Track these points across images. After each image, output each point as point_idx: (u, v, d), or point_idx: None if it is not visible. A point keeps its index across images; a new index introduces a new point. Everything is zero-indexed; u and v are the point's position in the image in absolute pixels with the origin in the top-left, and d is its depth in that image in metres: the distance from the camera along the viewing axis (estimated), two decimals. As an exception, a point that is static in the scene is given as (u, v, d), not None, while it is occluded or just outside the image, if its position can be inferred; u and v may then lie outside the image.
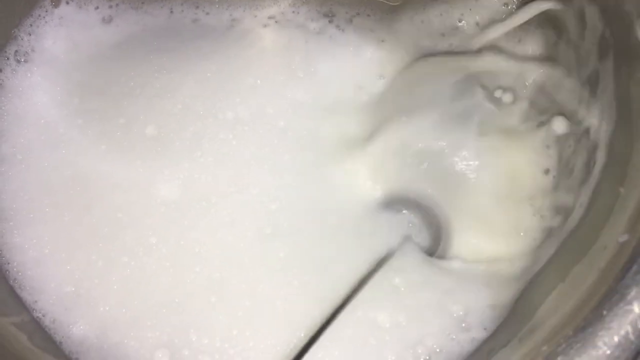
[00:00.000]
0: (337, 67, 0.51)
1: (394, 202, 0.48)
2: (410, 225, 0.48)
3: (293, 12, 0.52)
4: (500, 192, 0.46)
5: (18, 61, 0.48)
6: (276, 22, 0.52)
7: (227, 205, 0.46)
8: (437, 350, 0.42)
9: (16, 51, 0.48)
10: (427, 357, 0.41)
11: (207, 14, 0.52)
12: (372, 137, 0.48)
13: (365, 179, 0.48)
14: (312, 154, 0.48)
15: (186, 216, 0.45)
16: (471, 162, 0.46)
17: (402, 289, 0.43)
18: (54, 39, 0.49)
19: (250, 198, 0.46)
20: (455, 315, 0.42)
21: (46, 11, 0.49)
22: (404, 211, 0.48)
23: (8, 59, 0.47)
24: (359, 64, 0.51)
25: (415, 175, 0.47)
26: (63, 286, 0.42)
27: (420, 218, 0.49)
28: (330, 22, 0.52)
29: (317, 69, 0.50)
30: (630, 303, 0.33)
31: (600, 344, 0.32)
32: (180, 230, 0.44)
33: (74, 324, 0.42)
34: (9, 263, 0.43)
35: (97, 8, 0.51)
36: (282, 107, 0.49)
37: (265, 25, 0.52)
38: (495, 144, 0.47)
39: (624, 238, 0.35)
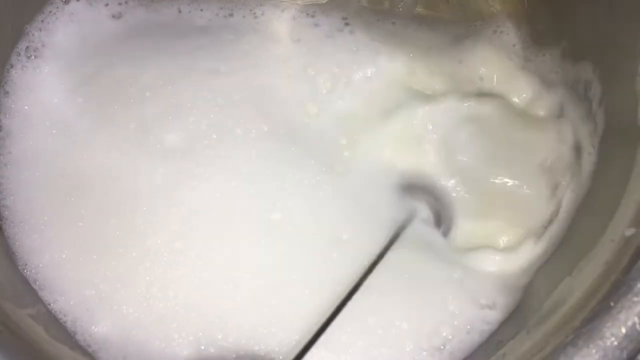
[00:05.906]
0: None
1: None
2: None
3: (302, 12, 0.52)
4: None
5: (28, 57, 0.48)
6: (284, 22, 0.52)
7: (256, 215, 0.45)
8: (450, 337, 0.42)
9: (27, 47, 0.48)
10: (442, 347, 0.42)
11: (216, 14, 0.52)
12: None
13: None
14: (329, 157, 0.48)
15: (213, 224, 0.44)
16: None
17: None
18: (64, 35, 0.49)
19: (278, 207, 0.45)
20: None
21: (57, 7, 0.49)
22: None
23: (19, 54, 0.48)
24: None
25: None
26: (83, 289, 0.42)
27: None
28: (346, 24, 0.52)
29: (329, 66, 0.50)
30: (637, 295, 0.33)
31: (607, 334, 0.33)
32: (207, 237, 0.44)
33: (97, 324, 0.41)
34: (26, 264, 0.42)
35: (107, 5, 0.51)
36: (299, 112, 0.49)
37: (272, 26, 0.52)
38: None
39: (630, 231, 0.36)
